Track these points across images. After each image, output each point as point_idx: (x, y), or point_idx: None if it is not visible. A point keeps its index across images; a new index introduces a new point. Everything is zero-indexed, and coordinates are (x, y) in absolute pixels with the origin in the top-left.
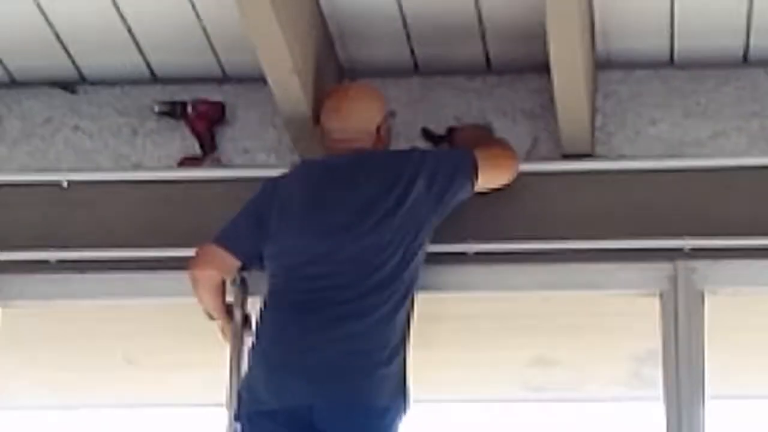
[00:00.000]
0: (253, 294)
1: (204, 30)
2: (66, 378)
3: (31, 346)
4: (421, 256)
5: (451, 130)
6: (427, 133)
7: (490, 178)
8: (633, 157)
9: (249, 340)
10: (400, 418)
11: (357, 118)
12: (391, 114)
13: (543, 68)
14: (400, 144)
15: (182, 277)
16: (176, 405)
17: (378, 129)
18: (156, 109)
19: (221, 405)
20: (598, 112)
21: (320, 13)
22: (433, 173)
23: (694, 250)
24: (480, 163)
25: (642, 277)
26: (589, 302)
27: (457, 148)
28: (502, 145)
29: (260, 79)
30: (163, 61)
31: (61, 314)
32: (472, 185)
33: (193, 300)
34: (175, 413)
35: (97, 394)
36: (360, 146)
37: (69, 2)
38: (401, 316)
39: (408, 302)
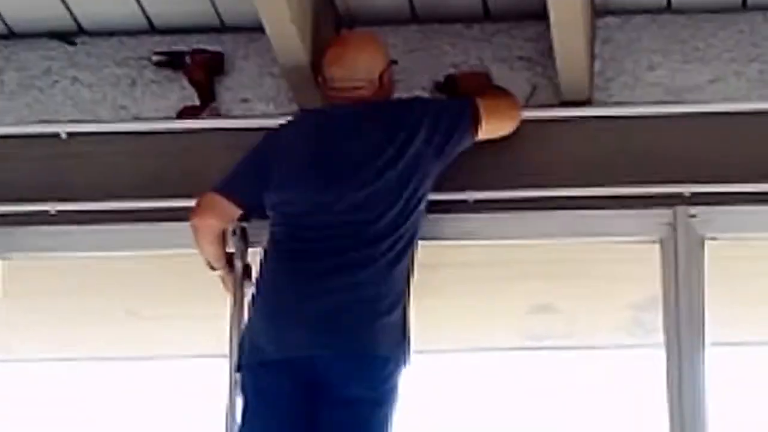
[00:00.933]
0: (253, 244)
1: None
2: (67, 330)
3: (31, 298)
4: (422, 206)
5: (448, 78)
6: (438, 85)
7: (492, 128)
8: (632, 103)
9: (250, 291)
10: (402, 368)
11: (359, 66)
12: (393, 62)
13: (541, 15)
14: (399, 93)
15: (183, 227)
16: (178, 357)
17: (380, 77)
18: (154, 59)
19: (223, 356)
20: (596, 58)
21: None
22: (435, 123)
23: (693, 195)
24: (483, 113)
25: (642, 223)
26: (588, 249)
27: (459, 97)
28: (504, 93)
29: (258, 29)
30: (161, 11)
31: (61, 266)
32: (474, 135)
33: (194, 251)
34: (176, 365)
35: (99, 347)
36: (361, 94)
37: None
38: (402, 265)
39: (409, 252)
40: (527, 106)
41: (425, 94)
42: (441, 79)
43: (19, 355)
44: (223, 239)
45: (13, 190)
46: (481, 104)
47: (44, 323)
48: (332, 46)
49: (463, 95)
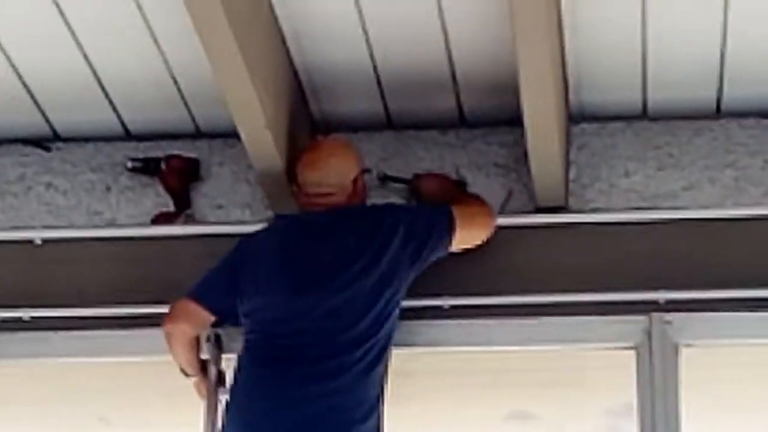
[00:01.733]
0: (227, 351)
1: (177, 86)
2: None
3: (3, 405)
4: (396, 312)
5: (416, 177)
6: (386, 178)
7: (467, 237)
8: (607, 210)
9: (224, 398)
10: None
11: (332, 172)
12: (367, 171)
13: (516, 121)
14: (374, 199)
15: (157, 334)
16: None
17: (354, 182)
18: (129, 165)
19: None
20: (571, 164)
21: (293, 68)
22: (410, 230)
23: (669, 302)
24: (458, 221)
25: (617, 330)
26: (565, 356)
27: (430, 201)
28: (478, 201)
29: (234, 135)
30: (137, 117)
31: (35, 372)
32: (449, 243)
33: (168, 358)
34: None
35: None
36: (335, 200)
37: (42, 59)
38: (377, 372)
39: (384, 359)
40: (503, 212)
41: (401, 201)
42: (385, 173)
43: None
44: (196, 345)
45: None
46: (457, 212)
47: (14, 430)
48: (305, 152)
49: (424, 198)
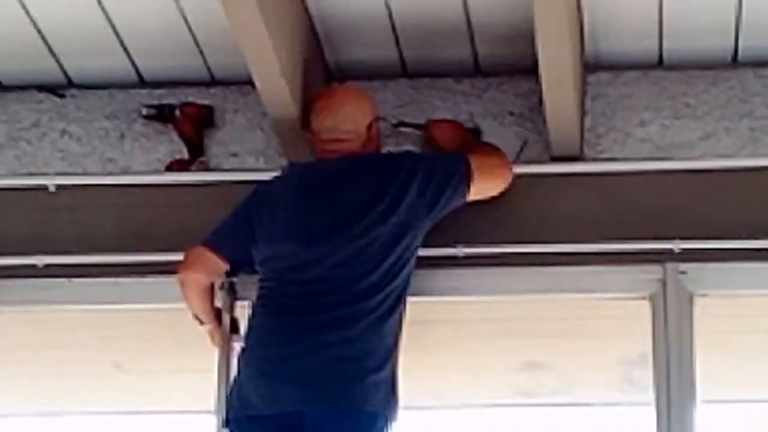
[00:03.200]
0: (241, 299)
1: (191, 33)
2: (53, 384)
3: (17, 351)
4: (412, 261)
5: (429, 123)
6: (400, 124)
7: (484, 187)
8: (622, 159)
9: (238, 345)
10: (391, 425)
11: (346, 118)
12: (381, 119)
13: (532, 70)
14: (388, 147)
15: (171, 281)
16: (165, 412)
17: (368, 129)
18: (144, 112)
19: (210, 411)
20: (587, 114)
21: (308, 16)
22: (427, 179)
23: (683, 252)
24: (475, 172)
25: (632, 280)
26: (579, 306)
27: (443, 146)
28: (496, 151)
29: (248, 82)
30: (151, 64)
31: (48, 319)
32: (466, 193)
33: (182, 305)
34: (163, 419)
35: (86, 401)
36: (350, 147)
37: (56, 5)
38: (393, 321)
39: (399, 308)
40: (517, 161)
41: (416, 149)
42: (399, 119)
43: (4, 409)
44: (210, 293)
45: (0, 243)
46: (474, 162)
47: (30, 377)
48: (319, 99)
49: (437, 144)
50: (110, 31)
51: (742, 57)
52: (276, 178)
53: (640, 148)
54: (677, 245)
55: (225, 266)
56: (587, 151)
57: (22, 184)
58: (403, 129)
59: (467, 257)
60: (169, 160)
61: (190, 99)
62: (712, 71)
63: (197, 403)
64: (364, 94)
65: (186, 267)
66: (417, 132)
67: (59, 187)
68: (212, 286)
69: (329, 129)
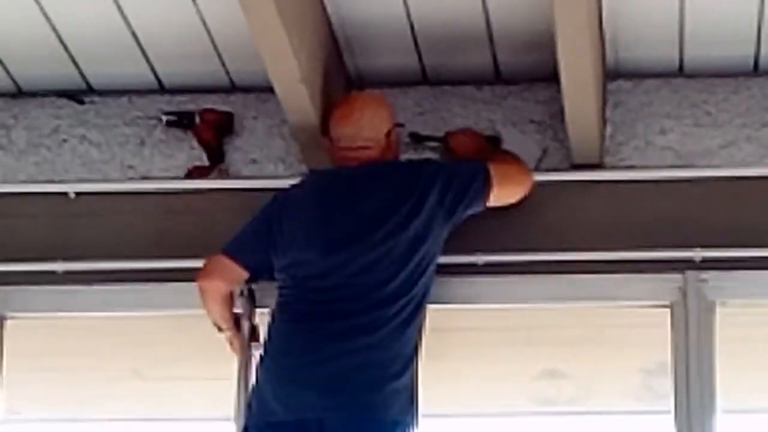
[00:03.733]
0: (261, 306)
1: (212, 39)
2: (72, 390)
3: (36, 358)
4: (432, 268)
5: (448, 135)
6: (416, 137)
7: (504, 194)
8: (643, 168)
9: (257, 352)
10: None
11: (366, 125)
12: (399, 125)
13: (552, 78)
14: (408, 155)
15: (190, 288)
16: (184, 419)
17: (387, 136)
18: (164, 119)
19: (229, 419)
20: (607, 121)
21: (328, 23)
22: (446, 186)
23: (704, 260)
24: (495, 179)
25: (652, 288)
26: (598, 314)
27: (461, 157)
28: (516, 159)
29: (268, 89)
30: (171, 71)
31: (67, 326)
32: (485, 200)
33: (201, 312)
34: (183, 426)
35: (105, 408)
36: (369, 155)
37: (76, 12)
38: (413, 328)
39: (420, 315)
40: (538, 169)
41: (435, 156)
42: (416, 132)
43: (24, 415)
44: (230, 300)
45: (20, 249)
46: (493, 169)
47: (49, 383)
48: (338, 106)
49: (456, 154)
50: (130, 37)
51: (763, 65)
52: (295, 185)
53: (661, 156)
54: (698, 253)
55: (245, 274)
56: (608, 159)
57: (42, 190)
58: (422, 142)
59: (487, 265)
60: (189, 166)
61: (210, 105)
62: (733, 79)
63: (217, 410)
64: (383, 102)
65: (206, 275)
66: (436, 144)
67: (79, 193)
68: (232, 293)
69: (349, 137)
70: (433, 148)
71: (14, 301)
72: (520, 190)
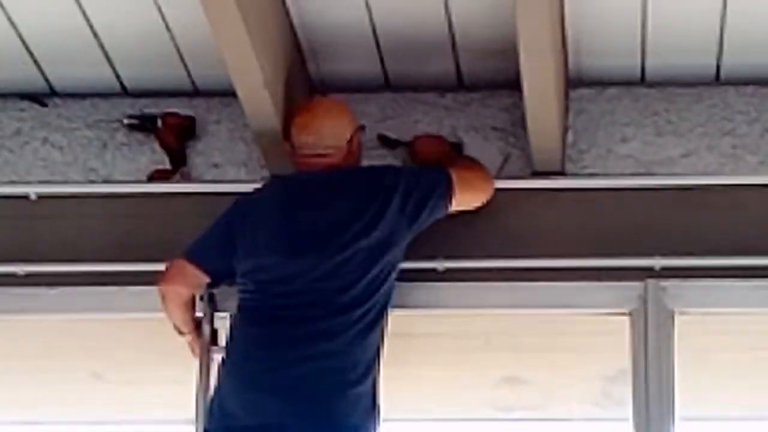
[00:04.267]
0: (221, 310)
1: (175, 44)
2: (32, 393)
3: None
4: (394, 274)
5: (414, 139)
6: (384, 139)
7: (466, 200)
8: (604, 175)
9: (218, 356)
10: None
11: (327, 134)
12: (361, 128)
13: (515, 85)
14: (371, 160)
15: (151, 291)
16: (145, 422)
17: (349, 142)
18: (126, 122)
19: (190, 422)
20: (569, 129)
21: (291, 28)
22: (408, 192)
23: (664, 269)
24: (456, 185)
25: (612, 296)
26: (558, 321)
27: (425, 161)
28: (477, 165)
29: (231, 94)
30: (134, 74)
31: (28, 328)
32: (448, 205)
33: (162, 315)
34: (143, 429)
35: (66, 410)
36: (331, 161)
37: (39, 14)
38: (374, 334)
39: (381, 321)
40: (499, 176)
41: (397, 162)
42: (389, 134)
43: None
44: (191, 304)
45: None
46: (455, 176)
47: (8, 385)
48: (299, 114)
49: (420, 158)
50: (93, 40)
51: (725, 75)
52: (257, 190)
53: (622, 165)
54: (658, 262)
55: (206, 279)
56: (569, 167)
57: (3, 193)
58: (387, 145)
59: (447, 271)
60: (151, 170)
61: (173, 109)
62: (694, 88)
63: (177, 413)
64: (344, 108)
65: (167, 280)
66: (401, 148)
67: (40, 195)
68: (193, 298)
69: (310, 145)
70: (396, 153)
71: None
72: (482, 197)
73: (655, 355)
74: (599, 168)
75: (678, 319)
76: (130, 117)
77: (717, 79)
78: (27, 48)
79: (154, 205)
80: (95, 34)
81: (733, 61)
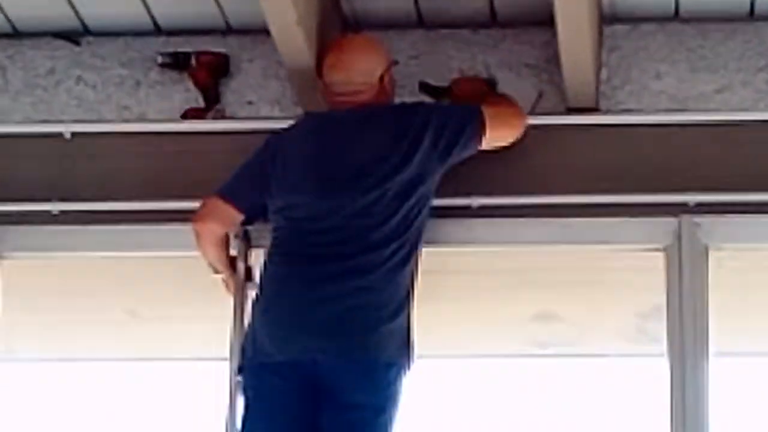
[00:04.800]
0: (256, 246)
1: None
2: (68, 331)
3: (31, 298)
4: (426, 211)
5: (452, 82)
6: (425, 87)
7: (497, 136)
8: (637, 112)
9: (252, 293)
10: (405, 374)
11: (358, 70)
12: (395, 63)
13: (548, 22)
14: (404, 98)
15: (185, 229)
16: (179, 359)
17: (381, 80)
18: (159, 60)
19: (224, 359)
20: (603, 66)
21: None
22: (440, 129)
23: (698, 205)
24: (488, 121)
25: (646, 232)
26: (593, 257)
27: (463, 103)
28: (509, 102)
29: (264, 31)
30: (167, 12)
31: (62, 266)
32: (479, 142)
33: (196, 253)
34: (178, 367)
35: (101, 347)
36: (363, 99)
37: None
38: (407, 271)
39: (413, 258)
40: (533, 112)
41: (429, 100)
42: (431, 81)
43: (19, 355)
44: (225, 243)
45: (16, 190)
46: (487, 112)
47: (44, 323)
48: (330, 51)
49: (458, 100)
50: None
51: (759, 10)
52: (289, 127)
53: (656, 101)
54: (692, 197)
55: (240, 217)
56: (603, 103)
57: (37, 131)
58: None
59: (481, 207)
60: (184, 108)
61: (206, 47)
62: (728, 24)
63: (211, 350)
64: (376, 45)
65: (201, 218)
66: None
67: (74, 134)
68: (227, 235)
69: (341, 83)
70: (438, 96)
71: (10, 241)
72: (514, 133)
73: (690, 291)
74: (633, 104)
75: (712, 255)
76: (163, 55)
77: (751, 15)
78: None
79: (188, 143)
80: None
81: None
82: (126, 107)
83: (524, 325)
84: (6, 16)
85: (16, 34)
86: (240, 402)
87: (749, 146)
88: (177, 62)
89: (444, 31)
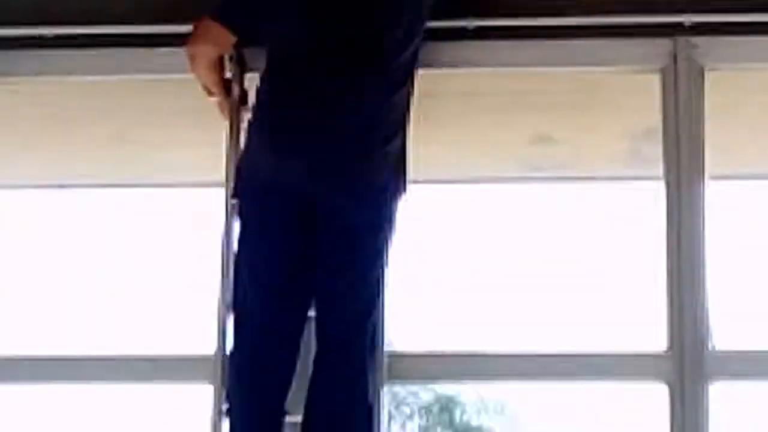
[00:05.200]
0: (251, 70)
1: None
2: (56, 156)
3: (20, 124)
4: (420, 33)
5: None
6: None
7: None
8: None
9: (246, 116)
10: (399, 196)
11: None
12: None
13: None
14: None
15: (179, 52)
16: (173, 185)
17: None
18: None
19: (219, 184)
20: None
21: None
22: None
23: (694, 25)
24: None
25: (642, 52)
26: (589, 79)
27: None
28: None
29: None
30: None
31: (52, 91)
32: None
33: (190, 76)
34: (171, 192)
35: (90, 173)
36: None
37: None
38: (401, 94)
39: (409, 80)
40: None
41: None
42: None
43: (6, 181)
44: (220, 66)
45: (7, 13)
46: None
47: (31, 148)
48: None
49: None
50: None
51: None
52: None
53: None
54: (689, 18)
55: (233, 39)
56: None
57: None
58: None
59: (477, 29)
60: None
61: None
62: None
63: (206, 175)
64: None
65: (194, 40)
66: None
67: None
68: (222, 58)
69: None
70: None
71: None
72: None
73: (686, 112)
74: None
75: (708, 75)
76: None
77: None
78: None
79: None
80: None
81: None
82: None
83: (519, 148)
84: None
85: None
86: (236, 225)
87: None
88: None
89: None
